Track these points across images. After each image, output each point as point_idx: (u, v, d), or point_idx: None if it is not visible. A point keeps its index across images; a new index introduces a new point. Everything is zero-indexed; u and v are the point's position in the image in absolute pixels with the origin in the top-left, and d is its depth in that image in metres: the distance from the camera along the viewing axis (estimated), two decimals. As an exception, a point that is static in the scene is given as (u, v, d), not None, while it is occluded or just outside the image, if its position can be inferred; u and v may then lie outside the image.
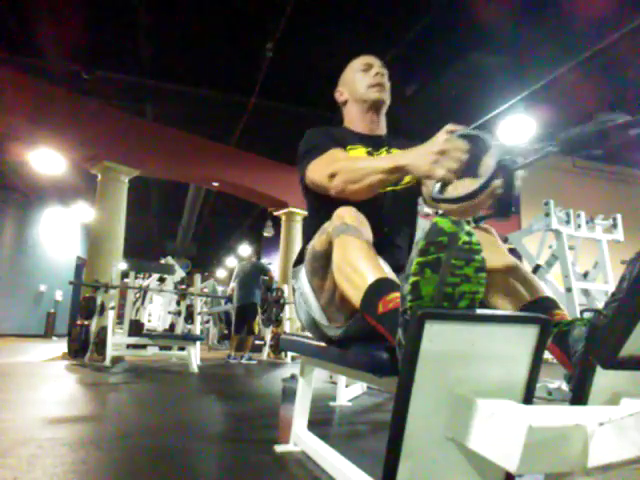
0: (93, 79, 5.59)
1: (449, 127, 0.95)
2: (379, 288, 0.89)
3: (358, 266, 0.95)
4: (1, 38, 5.11)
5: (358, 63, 1.48)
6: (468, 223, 0.72)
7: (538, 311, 0.97)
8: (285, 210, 8.35)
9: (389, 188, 1.33)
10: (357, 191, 1.10)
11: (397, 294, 0.84)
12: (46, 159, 6.56)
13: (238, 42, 5.09)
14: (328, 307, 1.12)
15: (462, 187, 0.97)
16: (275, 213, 8.66)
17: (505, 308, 1.06)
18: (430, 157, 0.92)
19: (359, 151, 1.38)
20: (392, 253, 1.24)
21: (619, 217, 3.48)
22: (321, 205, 1.23)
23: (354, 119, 1.48)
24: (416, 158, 0.96)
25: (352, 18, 4.67)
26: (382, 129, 1.49)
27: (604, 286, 3.29)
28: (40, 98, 5.84)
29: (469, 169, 0.94)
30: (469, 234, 0.70)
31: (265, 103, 6.25)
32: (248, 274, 5.81)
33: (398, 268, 1.11)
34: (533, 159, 0.97)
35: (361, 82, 1.44)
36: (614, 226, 3.47)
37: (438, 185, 0.96)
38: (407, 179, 1.36)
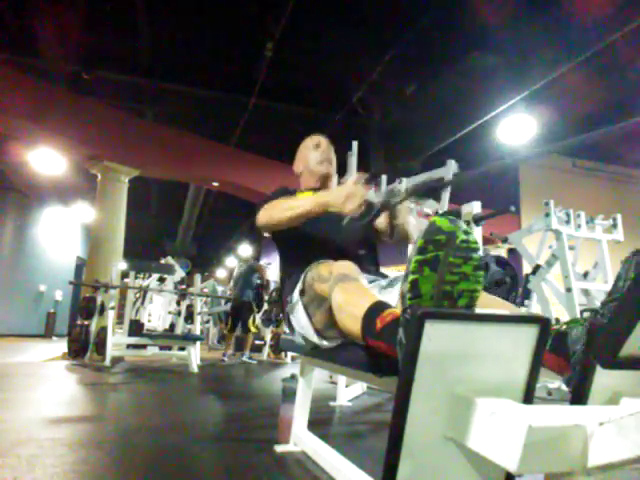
0: (93, 79, 5.59)
1: (357, 175, 1.34)
2: (376, 309, 0.93)
3: (358, 302, 1.00)
4: (1, 38, 5.11)
5: (310, 142, 1.79)
6: (467, 224, 0.72)
7: None
8: (285, 210, 8.34)
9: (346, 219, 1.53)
10: (277, 222, 1.41)
11: (393, 310, 0.87)
12: (46, 159, 6.57)
13: (238, 42, 5.09)
14: (324, 330, 1.21)
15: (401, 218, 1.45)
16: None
17: None
18: (342, 197, 1.25)
19: (306, 194, 1.60)
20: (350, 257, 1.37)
21: (619, 217, 3.48)
22: (288, 248, 1.61)
23: (308, 185, 1.77)
24: (333, 198, 1.27)
25: (352, 18, 4.67)
26: (330, 181, 1.83)
27: (604, 286, 3.28)
28: (40, 98, 5.84)
29: (370, 205, 1.41)
30: (467, 233, 0.71)
31: (265, 103, 6.25)
32: (243, 274, 6.02)
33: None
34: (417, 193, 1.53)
35: (312, 158, 1.75)
36: (614, 226, 3.47)
37: (348, 217, 1.28)
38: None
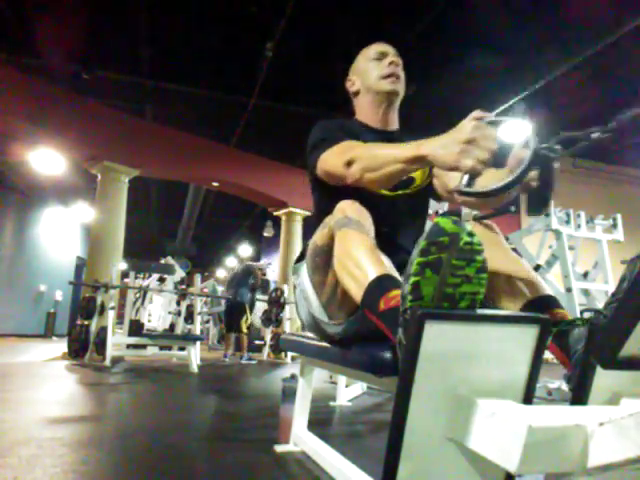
0: (93, 79, 5.58)
1: (477, 114, 0.87)
2: (381, 284, 0.88)
3: (360, 261, 0.94)
4: (1, 38, 5.10)
5: (371, 51, 1.41)
6: (481, 219, 0.72)
7: (539, 310, 0.97)
8: (285, 210, 8.35)
9: (399, 191, 1.31)
10: (375, 180, 1.04)
11: (399, 291, 0.82)
12: (46, 159, 6.56)
13: (238, 42, 5.09)
14: (329, 304, 1.11)
15: (489, 178, 0.91)
16: (275, 213, 8.66)
17: (507, 306, 1.06)
18: (457, 147, 0.84)
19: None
20: (395, 253, 1.22)
21: (619, 217, 3.49)
22: (330, 201, 1.15)
23: (366, 112, 1.42)
24: (441, 148, 0.87)
25: (352, 18, 4.67)
26: (394, 123, 1.44)
27: (604, 286, 3.29)
28: (40, 98, 5.84)
29: (496, 158, 0.85)
30: (471, 235, 0.70)
31: (265, 103, 6.25)
32: (239, 275, 6.15)
33: (400, 268, 1.10)
34: (576, 147, 0.92)
35: (374, 72, 1.37)
36: (614, 226, 3.47)
37: (466, 177, 0.88)
38: (418, 182, 1.35)
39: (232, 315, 5.93)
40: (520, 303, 1.04)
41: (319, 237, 1.11)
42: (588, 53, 4.65)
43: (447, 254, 0.69)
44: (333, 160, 1.15)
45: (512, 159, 1.01)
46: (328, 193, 1.25)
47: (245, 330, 5.89)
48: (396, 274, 0.98)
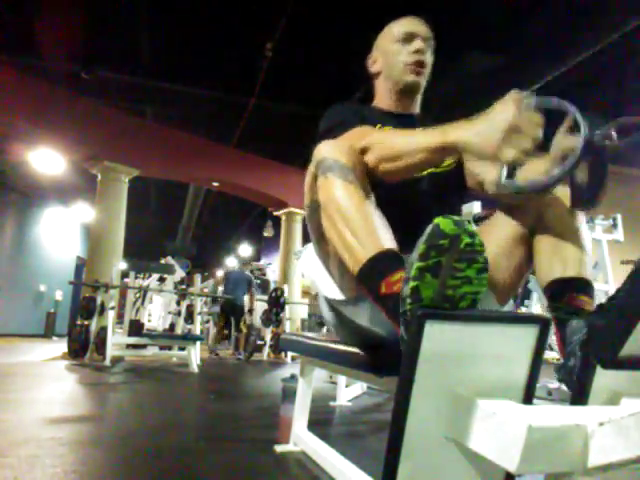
0: (93, 79, 5.58)
1: (517, 94, 0.76)
2: (381, 264, 0.81)
3: (354, 223, 0.85)
4: (1, 38, 5.11)
5: (399, 29, 1.25)
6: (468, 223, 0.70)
7: (562, 291, 0.94)
8: (285, 210, 8.35)
9: (427, 170, 1.15)
10: (393, 171, 0.92)
11: (402, 273, 0.76)
12: (46, 159, 6.57)
13: (238, 42, 5.09)
14: (341, 276, 0.99)
15: (528, 168, 0.81)
16: (275, 213, 8.66)
17: (538, 275, 1.00)
18: (498, 134, 0.74)
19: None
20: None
21: (619, 217, 3.49)
22: None
23: (384, 96, 1.30)
24: (476, 135, 0.76)
25: (352, 18, 4.67)
26: (415, 108, 1.31)
27: (604, 286, 3.29)
28: (40, 98, 5.84)
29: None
30: (472, 235, 0.67)
31: (265, 103, 6.25)
32: (235, 278, 6.72)
33: None
34: (635, 135, 0.75)
35: (397, 57, 1.23)
36: (614, 226, 3.48)
37: (505, 169, 0.79)
38: (449, 160, 1.19)
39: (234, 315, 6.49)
40: (548, 278, 0.98)
41: (307, 194, 1.01)
42: (589, 53, 4.64)
43: (447, 257, 0.66)
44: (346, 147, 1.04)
45: (556, 146, 0.89)
46: None
47: (245, 330, 6.13)
48: (394, 244, 0.87)
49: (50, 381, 3.28)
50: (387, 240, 0.85)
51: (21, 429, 1.76)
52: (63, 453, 1.44)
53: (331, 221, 0.89)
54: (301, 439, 1.51)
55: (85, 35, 5.08)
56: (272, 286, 8.02)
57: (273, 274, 9.55)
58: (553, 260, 0.98)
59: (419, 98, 1.31)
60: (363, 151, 0.95)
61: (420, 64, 1.22)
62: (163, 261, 7.63)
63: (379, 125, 1.19)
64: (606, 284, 3.30)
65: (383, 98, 1.30)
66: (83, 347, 4.49)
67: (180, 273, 6.45)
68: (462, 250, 0.67)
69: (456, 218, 0.67)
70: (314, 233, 1.04)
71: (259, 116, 6.55)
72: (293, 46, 5.05)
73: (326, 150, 0.94)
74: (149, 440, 1.73)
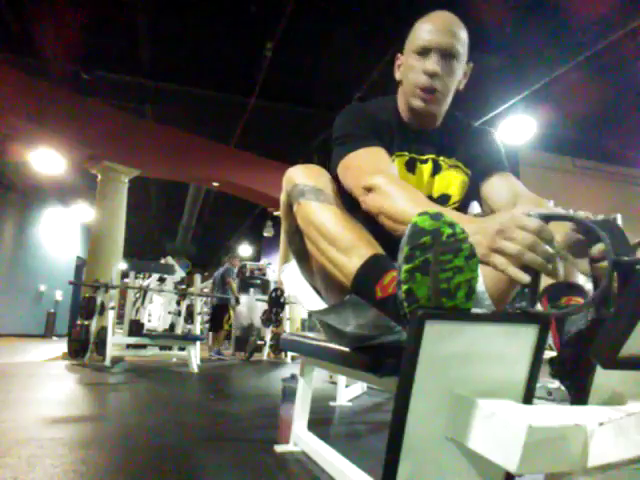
0: (93, 79, 5.58)
1: (523, 208, 0.70)
2: (371, 270, 0.82)
3: (337, 241, 0.87)
4: (1, 38, 5.10)
5: (417, 39, 1.11)
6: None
7: (559, 295, 0.95)
8: (285, 210, 8.35)
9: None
10: (389, 228, 0.89)
11: (393, 274, 0.77)
12: (46, 159, 6.56)
13: (238, 42, 5.09)
14: (327, 290, 1.02)
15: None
16: (275, 213, 8.66)
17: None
18: (486, 238, 0.70)
19: (401, 160, 1.17)
20: None
21: (619, 217, 3.48)
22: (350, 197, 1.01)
23: (404, 106, 1.20)
24: (473, 233, 0.71)
25: (352, 18, 4.67)
26: (436, 122, 1.22)
27: (604, 286, 3.28)
28: (40, 98, 5.84)
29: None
30: (452, 225, 0.67)
31: (265, 103, 6.24)
32: (220, 276, 6.88)
33: None
34: None
35: (410, 74, 1.12)
36: (614, 226, 3.47)
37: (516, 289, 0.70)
38: (457, 197, 1.20)
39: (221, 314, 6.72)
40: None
41: (284, 222, 1.02)
42: (589, 53, 4.64)
43: (432, 253, 0.66)
44: (353, 176, 1.01)
45: (590, 263, 0.77)
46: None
47: (226, 327, 6.59)
48: (377, 247, 0.88)
49: (50, 381, 3.28)
50: (370, 246, 0.87)
51: (21, 429, 1.76)
52: (63, 453, 1.44)
53: (314, 242, 0.92)
54: (301, 439, 1.51)
55: (85, 35, 5.07)
56: (272, 286, 8.02)
57: (273, 274, 9.54)
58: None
59: (443, 110, 1.21)
60: (369, 189, 0.93)
61: (429, 90, 1.10)
62: (163, 261, 7.62)
63: (393, 157, 1.15)
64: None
65: (403, 106, 1.22)
66: (83, 347, 4.50)
67: (180, 273, 6.45)
68: (445, 242, 0.66)
69: (432, 212, 0.67)
70: (296, 254, 1.07)
71: (259, 116, 6.54)
72: (293, 46, 5.04)
73: (296, 176, 0.98)
74: (149, 440, 1.73)
